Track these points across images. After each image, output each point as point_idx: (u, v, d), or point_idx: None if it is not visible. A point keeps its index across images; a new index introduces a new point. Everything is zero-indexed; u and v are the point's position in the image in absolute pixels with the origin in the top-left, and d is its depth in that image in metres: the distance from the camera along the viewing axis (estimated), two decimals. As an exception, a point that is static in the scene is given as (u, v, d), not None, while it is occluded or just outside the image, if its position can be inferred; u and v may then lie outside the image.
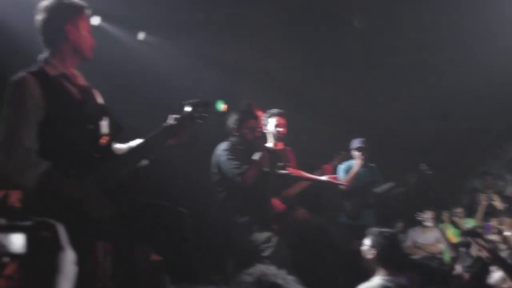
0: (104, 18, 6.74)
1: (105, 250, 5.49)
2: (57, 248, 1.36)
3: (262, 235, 5.35)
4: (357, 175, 7.29)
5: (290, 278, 1.29)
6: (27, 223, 1.38)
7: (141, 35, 7.81)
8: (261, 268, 1.30)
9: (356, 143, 7.41)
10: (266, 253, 5.26)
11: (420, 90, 8.50)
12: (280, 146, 6.32)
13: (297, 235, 5.88)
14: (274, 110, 6.29)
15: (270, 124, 6.22)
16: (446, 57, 8.01)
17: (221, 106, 3.95)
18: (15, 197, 6.76)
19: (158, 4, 6.99)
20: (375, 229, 4.44)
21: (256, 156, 5.43)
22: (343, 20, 7.72)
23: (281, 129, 6.22)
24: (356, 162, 7.35)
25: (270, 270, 1.30)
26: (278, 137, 6.23)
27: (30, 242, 1.35)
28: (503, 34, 7.53)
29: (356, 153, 7.38)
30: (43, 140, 3.21)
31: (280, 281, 1.26)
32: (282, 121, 6.25)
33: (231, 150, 5.51)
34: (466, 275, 5.28)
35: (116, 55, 6.89)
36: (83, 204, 3.12)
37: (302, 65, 7.86)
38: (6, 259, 1.37)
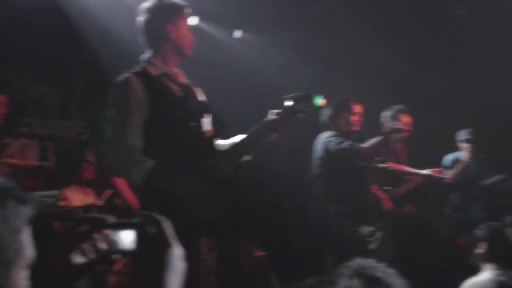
0: (201, 17, 6.85)
1: (209, 247, 5.59)
2: (165, 245, 1.37)
3: (365, 229, 5.26)
4: (467, 167, 7.02)
5: (391, 271, 1.24)
6: (136, 220, 1.39)
7: (237, 33, 7.87)
8: (359, 261, 1.26)
9: (463, 134, 7.14)
10: (371, 247, 5.17)
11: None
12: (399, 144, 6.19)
13: (403, 230, 5.73)
14: (399, 107, 6.15)
15: (393, 121, 6.08)
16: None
17: (320, 101, 3.89)
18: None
19: (252, 1, 7.02)
20: (486, 224, 4.28)
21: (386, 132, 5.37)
22: (446, 6, 7.46)
23: (404, 127, 6.03)
24: (463, 155, 7.08)
25: (369, 263, 1.26)
26: (400, 136, 6.07)
27: (139, 239, 1.37)
28: None
29: (463, 145, 7.11)
30: (147, 139, 3.29)
31: (379, 274, 1.22)
32: (406, 119, 6.09)
33: (337, 135, 5.45)
34: None
35: (214, 53, 6.99)
36: (186, 201, 3.18)
37: (402, 55, 7.66)
38: (116, 256, 1.39)
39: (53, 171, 7.55)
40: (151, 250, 1.35)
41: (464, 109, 8.02)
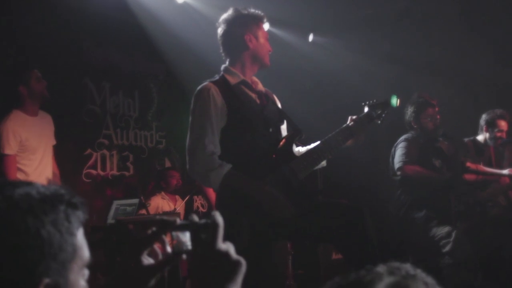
0: (271, 23, 6.88)
1: (286, 250, 5.64)
2: (215, 250, 1.41)
3: (441, 230, 5.19)
4: None
5: (430, 281, 1.22)
6: (201, 221, 1.45)
7: (311, 37, 7.88)
8: (394, 266, 1.25)
9: None
10: (446, 249, 5.11)
11: None
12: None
13: (488, 232, 5.59)
14: (499, 111, 5.98)
15: (489, 125, 5.97)
16: None
17: (396, 101, 3.87)
18: (199, 202, 7.10)
19: (323, 5, 7.01)
20: None
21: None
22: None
23: (499, 133, 5.91)
24: None
25: (404, 269, 1.23)
26: (495, 141, 5.96)
27: (193, 241, 1.43)
28: None
29: None
30: (225, 144, 3.38)
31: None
32: (503, 124, 5.93)
33: (407, 142, 5.43)
34: None
35: (288, 59, 7.02)
36: (264, 205, 3.22)
37: (481, 53, 7.46)
38: (184, 257, 1.46)
39: (132, 180, 7.75)
40: (205, 254, 1.40)
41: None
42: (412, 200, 5.37)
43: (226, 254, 1.38)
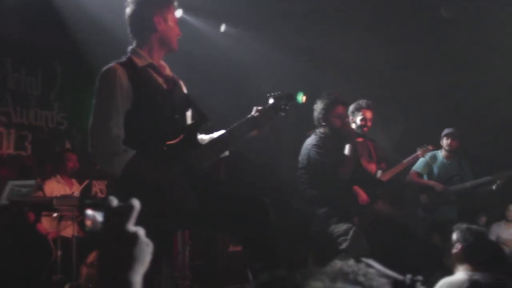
0: (185, 9, 6.80)
1: (184, 240, 5.59)
2: (128, 232, 1.40)
3: (339, 227, 5.25)
4: (443, 167, 7.03)
5: (372, 272, 1.23)
6: (117, 204, 1.43)
7: (222, 27, 7.84)
8: (338, 266, 1.25)
9: (446, 130, 7.10)
10: (343, 246, 5.17)
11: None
12: (360, 139, 6.09)
13: (378, 228, 5.72)
14: (362, 102, 6.13)
15: (356, 116, 6.09)
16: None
17: (302, 98, 3.90)
18: (98, 187, 6.96)
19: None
20: (463, 225, 4.32)
21: (347, 150, 5.38)
22: (431, 7, 7.46)
23: (365, 123, 6.08)
24: (442, 152, 7.05)
25: (349, 266, 1.24)
26: (362, 130, 6.08)
27: (106, 221, 1.42)
28: None
29: (444, 141, 7.11)
30: (130, 129, 3.29)
31: (361, 279, 1.20)
32: (369, 114, 6.09)
33: (319, 145, 5.45)
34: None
35: (198, 47, 6.97)
36: (166, 193, 3.17)
37: (387, 53, 7.66)
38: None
39: (29, 161, 7.50)
40: (116, 235, 1.39)
41: (446, 108, 7.97)
42: (315, 196, 5.41)
43: (135, 236, 1.38)
